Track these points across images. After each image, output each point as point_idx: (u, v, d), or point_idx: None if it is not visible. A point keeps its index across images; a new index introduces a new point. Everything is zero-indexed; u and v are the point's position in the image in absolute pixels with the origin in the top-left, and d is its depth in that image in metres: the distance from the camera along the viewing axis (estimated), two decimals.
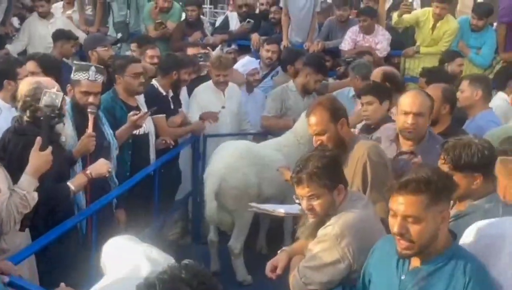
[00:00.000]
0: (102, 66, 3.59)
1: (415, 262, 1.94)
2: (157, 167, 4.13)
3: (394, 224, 1.87)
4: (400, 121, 2.99)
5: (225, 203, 4.14)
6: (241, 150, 4.22)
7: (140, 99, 4.18)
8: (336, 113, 2.80)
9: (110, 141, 3.54)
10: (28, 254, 2.73)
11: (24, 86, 2.97)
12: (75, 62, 3.67)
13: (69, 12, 6.74)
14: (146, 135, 4.10)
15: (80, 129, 3.28)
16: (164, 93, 4.49)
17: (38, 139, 2.72)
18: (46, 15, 6.14)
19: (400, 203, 1.85)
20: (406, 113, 2.95)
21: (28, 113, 2.92)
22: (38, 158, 2.69)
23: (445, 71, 4.77)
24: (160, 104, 4.35)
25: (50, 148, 2.73)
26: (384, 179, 2.61)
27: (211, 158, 4.33)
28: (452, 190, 1.93)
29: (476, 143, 2.25)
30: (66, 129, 3.13)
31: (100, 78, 3.38)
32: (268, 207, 3.07)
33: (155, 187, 4.13)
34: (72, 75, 3.36)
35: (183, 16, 6.61)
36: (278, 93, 4.97)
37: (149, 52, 5.03)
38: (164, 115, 4.39)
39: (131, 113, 3.80)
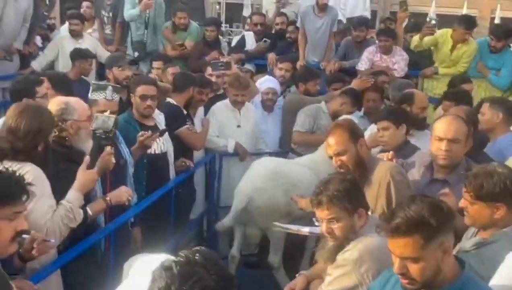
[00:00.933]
0: (119, 86, 3.63)
1: None
2: (174, 185, 4.12)
3: (394, 264, 1.85)
4: (434, 147, 2.89)
5: (254, 221, 4.20)
6: (269, 170, 4.21)
7: (159, 119, 4.18)
8: (355, 133, 2.80)
9: (127, 159, 3.55)
10: (51, 271, 2.73)
11: (53, 105, 3.01)
12: (93, 82, 3.72)
13: (89, 31, 6.86)
14: (164, 155, 4.10)
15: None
16: (183, 110, 4.51)
17: (87, 158, 2.82)
18: (77, 34, 6.25)
19: (395, 246, 1.83)
20: (440, 139, 2.85)
21: (54, 133, 2.95)
22: (85, 176, 2.79)
23: (468, 93, 4.70)
24: (179, 118, 4.40)
25: (96, 168, 2.84)
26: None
27: (245, 174, 4.34)
28: (450, 222, 1.86)
29: (499, 172, 2.19)
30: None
31: (117, 97, 3.43)
32: (293, 227, 3.08)
33: (171, 205, 4.12)
34: (90, 95, 3.40)
35: (201, 34, 6.68)
36: (312, 110, 4.90)
37: (170, 70, 5.11)
38: (187, 126, 4.41)
39: (140, 133, 3.81)
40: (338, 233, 2.27)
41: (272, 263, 4.31)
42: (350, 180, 2.34)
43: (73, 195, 2.74)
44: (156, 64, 5.61)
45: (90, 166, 2.83)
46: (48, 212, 2.60)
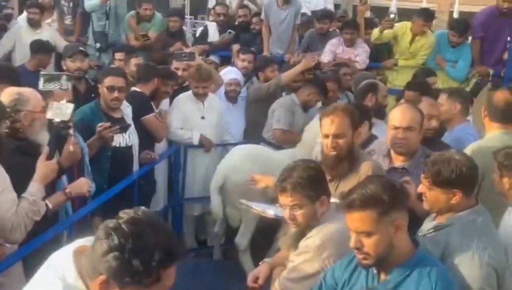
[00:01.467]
0: (71, 74, 3.54)
1: (383, 275, 1.98)
2: (138, 177, 4.08)
3: (351, 239, 1.95)
4: (390, 135, 2.95)
5: (230, 200, 4.23)
6: (248, 152, 4.31)
7: (127, 111, 4.11)
8: (355, 122, 2.78)
9: (82, 147, 3.47)
10: (12, 262, 2.67)
11: (5, 96, 2.92)
12: (43, 72, 3.55)
13: (48, 21, 6.68)
14: (129, 148, 4.06)
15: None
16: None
17: (46, 149, 2.75)
18: (35, 24, 6.08)
19: (351, 220, 1.93)
20: (396, 128, 2.91)
21: (7, 124, 2.88)
22: (46, 166, 2.73)
23: (430, 85, 4.82)
24: (146, 105, 4.37)
25: (56, 158, 2.76)
26: None
27: (225, 156, 4.40)
28: (402, 200, 1.96)
29: (456, 159, 2.25)
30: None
31: (70, 86, 3.34)
32: (259, 207, 3.00)
33: (135, 197, 4.09)
34: (41, 86, 3.29)
35: (165, 26, 6.62)
36: (288, 105, 4.87)
37: (133, 60, 5.04)
38: (153, 114, 4.37)
39: (99, 124, 3.76)
40: (301, 219, 2.30)
41: (238, 244, 4.34)
42: (314, 168, 2.36)
43: (35, 187, 2.69)
44: (118, 55, 5.52)
45: (50, 157, 2.77)
46: (12, 206, 2.54)
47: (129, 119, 4.10)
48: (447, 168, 2.23)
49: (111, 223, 1.40)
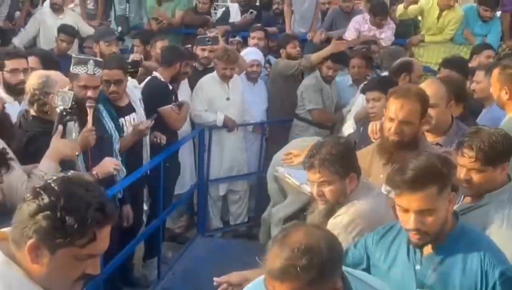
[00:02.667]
0: (101, 60, 3.54)
1: (427, 249, 1.91)
2: (160, 161, 4.06)
3: (408, 220, 1.83)
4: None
5: (283, 186, 4.10)
6: (305, 143, 4.22)
7: (133, 95, 4.00)
8: (426, 108, 2.61)
9: (112, 134, 3.51)
10: None
11: (33, 79, 2.94)
12: (73, 55, 3.59)
13: (71, 6, 6.72)
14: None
15: (80, 123, 3.18)
16: (170, 86, 4.41)
17: (60, 128, 2.75)
18: (58, 9, 6.11)
19: (412, 200, 1.80)
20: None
21: (35, 107, 2.91)
22: (59, 142, 2.72)
23: (465, 61, 4.68)
24: (165, 95, 4.32)
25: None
26: None
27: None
28: (454, 170, 1.90)
29: (496, 132, 2.17)
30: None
31: (99, 72, 3.30)
32: (296, 180, 2.80)
33: (161, 180, 4.10)
34: (71, 69, 3.31)
35: (189, 3, 6.57)
36: (314, 85, 5.02)
37: (159, 44, 5.02)
38: (170, 106, 4.31)
39: (137, 123, 3.77)
40: (329, 196, 2.26)
41: (273, 214, 4.18)
42: (344, 144, 2.31)
43: (46, 163, 2.66)
44: (135, 41, 5.51)
45: (63, 136, 2.76)
46: (20, 182, 2.53)
47: (136, 103, 4.01)
48: (498, 141, 2.11)
49: (38, 183, 1.32)
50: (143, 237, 4.10)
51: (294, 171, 2.92)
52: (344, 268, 1.50)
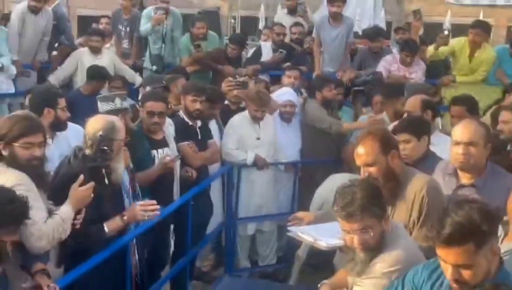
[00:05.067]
0: (124, 93, 3.62)
1: None
2: (188, 198, 4.06)
3: (447, 271, 1.83)
4: (453, 152, 2.85)
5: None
6: (345, 178, 4.22)
7: (168, 131, 4.13)
8: (387, 144, 2.66)
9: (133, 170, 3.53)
10: (66, 282, 2.72)
11: (97, 123, 3.01)
12: (98, 96, 3.71)
13: (106, 46, 6.93)
14: (171, 169, 4.02)
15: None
16: (190, 123, 4.45)
17: (81, 177, 2.78)
18: (97, 50, 6.25)
19: (448, 255, 1.81)
20: (457, 143, 2.82)
21: (93, 150, 2.97)
22: (78, 193, 2.75)
23: (474, 99, 4.65)
24: (186, 134, 4.36)
25: (92, 184, 2.79)
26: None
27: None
28: (498, 223, 1.86)
29: None
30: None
31: (126, 105, 3.42)
32: (309, 237, 2.79)
33: (188, 218, 4.10)
34: (100, 108, 3.38)
35: (220, 45, 6.71)
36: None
37: (180, 81, 5.09)
38: (189, 142, 4.34)
39: (164, 155, 3.81)
40: (372, 242, 2.20)
41: (300, 257, 4.31)
42: (373, 185, 2.29)
43: (66, 209, 2.71)
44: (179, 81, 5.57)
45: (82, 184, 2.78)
46: (41, 218, 2.59)
47: (170, 139, 4.11)
48: None
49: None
50: (170, 275, 4.07)
51: (307, 228, 2.93)
52: None
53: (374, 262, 2.21)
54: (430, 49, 6.20)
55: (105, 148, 2.88)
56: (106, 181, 2.93)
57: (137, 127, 3.96)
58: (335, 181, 4.03)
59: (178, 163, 4.13)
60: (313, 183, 4.50)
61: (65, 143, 3.63)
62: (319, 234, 2.72)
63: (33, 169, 2.63)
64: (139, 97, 4.74)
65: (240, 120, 4.90)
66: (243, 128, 4.88)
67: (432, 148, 3.55)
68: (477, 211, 1.79)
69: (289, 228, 2.91)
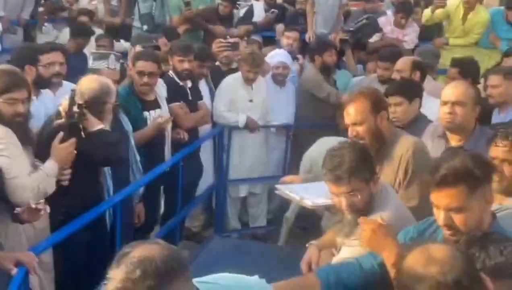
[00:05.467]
0: (120, 54, 3.56)
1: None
2: (178, 160, 4.08)
3: (439, 217, 1.86)
4: (440, 112, 2.86)
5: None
6: (334, 142, 4.22)
7: (160, 92, 4.07)
8: (378, 104, 2.64)
9: (128, 129, 3.54)
10: (54, 242, 2.75)
11: (93, 83, 3.00)
12: (92, 51, 3.63)
13: (94, 2, 6.77)
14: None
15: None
16: (181, 84, 4.39)
17: (60, 134, 2.78)
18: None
19: (441, 197, 1.84)
20: (444, 103, 2.83)
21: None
22: (60, 150, 2.77)
23: (476, 63, 4.62)
24: (177, 94, 4.30)
25: (73, 140, 2.79)
26: (423, 174, 2.48)
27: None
28: (491, 173, 1.89)
29: None
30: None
31: (118, 66, 3.37)
32: (296, 195, 2.77)
33: (178, 180, 4.11)
34: (90, 63, 3.32)
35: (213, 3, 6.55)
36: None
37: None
38: (180, 103, 4.30)
39: (156, 116, 3.77)
40: (360, 205, 2.20)
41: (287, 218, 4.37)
42: (363, 147, 2.29)
43: (50, 165, 2.72)
44: (161, 41, 5.48)
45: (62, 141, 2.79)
46: (24, 170, 2.59)
47: (162, 100, 4.05)
48: None
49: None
50: (160, 235, 4.11)
51: (295, 186, 2.91)
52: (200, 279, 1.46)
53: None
54: (427, 12, 6.12)
55: (81, 102, 2.84)
56: (83, 135, 2.89)
57: (128, 88, 3.90)
58: (324, 144, 4.02)
59: (169, 127, 4.09)
60: (307, 148, 4.50)
61: (50, 101, 3.59)
62: (307, 193, 2.71)
63: (18, 125, 2.60)
64: (129, 56, 4.65)
65: (232, 82, 4.84)
66: (235, 90, 4.82)
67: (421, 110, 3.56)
68: (471, 158, 1.85)
69: (277, 186, 2.89)
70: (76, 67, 3.95)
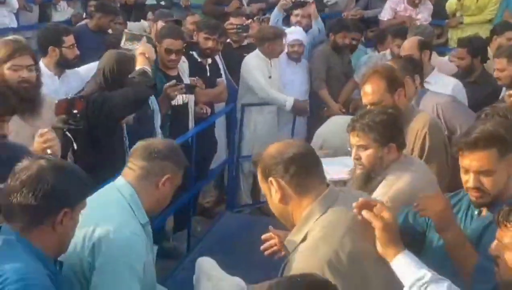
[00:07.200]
0: (152, 36, 3.62)
1: (484, 212, 1.98)
2: (193, 135, 4.14)
3: (468, 180, 1.92)
4: None
5: None
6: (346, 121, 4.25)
7: (182, 68, 4.16)
8: (394, 82, 2.69)
9: (154, 109, 3.60)
10: None
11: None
12: (126, 30, 3.70)
13: None
14: (185, 105, 4.13)
15: None
16: (199, 60, 4.47)
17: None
18: None
19: (472, 160, 1.91)
20: None
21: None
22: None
23: (484, 41, 4.58)
24: (195, 71, 4.36)
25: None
26: (440, 153, 2.62)
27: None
28: None
29: None
30: None
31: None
32: None
33: (192, 155, 4.18)
34: (122, 44, 3.39)
35: None
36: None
37: (190, 18, 5.05)
38: (195, 78, 4.35)
39: (168, 84, 3.82)
40: (365, 161, 2.32)
41: None
42: (389, 114, 2.35)
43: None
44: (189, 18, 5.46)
45: None
46: None
47: (185, 76, 4.13)
48: None
49: None
50: (173, 209, 4.19)
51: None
52: None
53: (375, 195, 2.27)
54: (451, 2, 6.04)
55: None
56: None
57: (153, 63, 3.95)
58: (335, 123, 4.07)
59: (192, 99, 4.18)
60: (320, 123, 4.53)
61: (74, 80, 3.66)
62: (326, 168, 2.76)
63: (24, 92, 2.61)
64: (153, 33, 4.69)
65: (256, 60, 4.86)
66: (258, 66, 4.85)
67: (429, 87, 3.56)
68: (503, 124, 1.96)
69: None
70: (95, 47, 4.02)
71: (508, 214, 1.60)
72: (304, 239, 1.67)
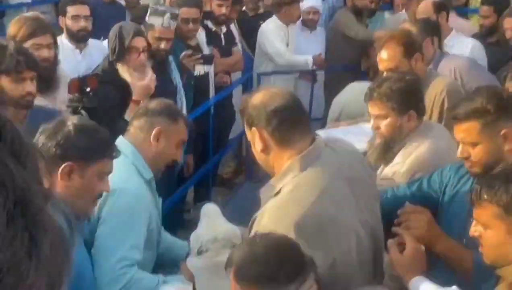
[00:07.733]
0: (177, 12, 3.55)
1: None
2: (211, 105, 4.12)
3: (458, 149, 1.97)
4: None
5: None
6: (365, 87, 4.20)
7: (201, 37, 4.12)
8: (411, 47, 2.63)
9: (177, 85, 3.56)
10: None
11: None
12: (151, 5, 3.64)
13: None
14: (206, 75, 4.09)
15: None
16: (214, 29, 4.41)
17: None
18: None
19: (457, 132, 1.95)
20: None
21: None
22: None
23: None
24: (209, 40, 4.29)
25: None
26: None
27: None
28: (509, 111, 1.91)
29: None
30: None
31: (174, 25, 3.39)
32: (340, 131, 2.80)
33: (210, 125, 4.15)
34: (147, 18, 3.34)
35: None
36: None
37: None
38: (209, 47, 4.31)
39: (183, 53, 3.77)
40: (384, 130, 2.26)
41: None
42: (408, 81, 2.28)
43: None
44: None
45: None
46: None
47: (203, 45, 4.09)
48: None
49: None
50: (194, 181, 4.19)
51: (335, 131, 2.92)
52: None
53: (394, 162, 2.24)
54: None
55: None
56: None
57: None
58: (353, 90, 3.99)
59: (212, 69, 4.14)
60: (337, 91, 4.45)
61: (96, 54, 3.52)
62: (347, 138, 2.65)
63: (43, 71, 2.56)
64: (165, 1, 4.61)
65: (274, 26, 4.79)
66: (276, 33, 4.79)
67: (448, 49, 3.45)
68: (489, 94, 1.91)
69: (316, 131, 2.92)
70: (110, 18, 3.95)
71: (480, 192, 1.55)
72: (278, 193, 1.67)
